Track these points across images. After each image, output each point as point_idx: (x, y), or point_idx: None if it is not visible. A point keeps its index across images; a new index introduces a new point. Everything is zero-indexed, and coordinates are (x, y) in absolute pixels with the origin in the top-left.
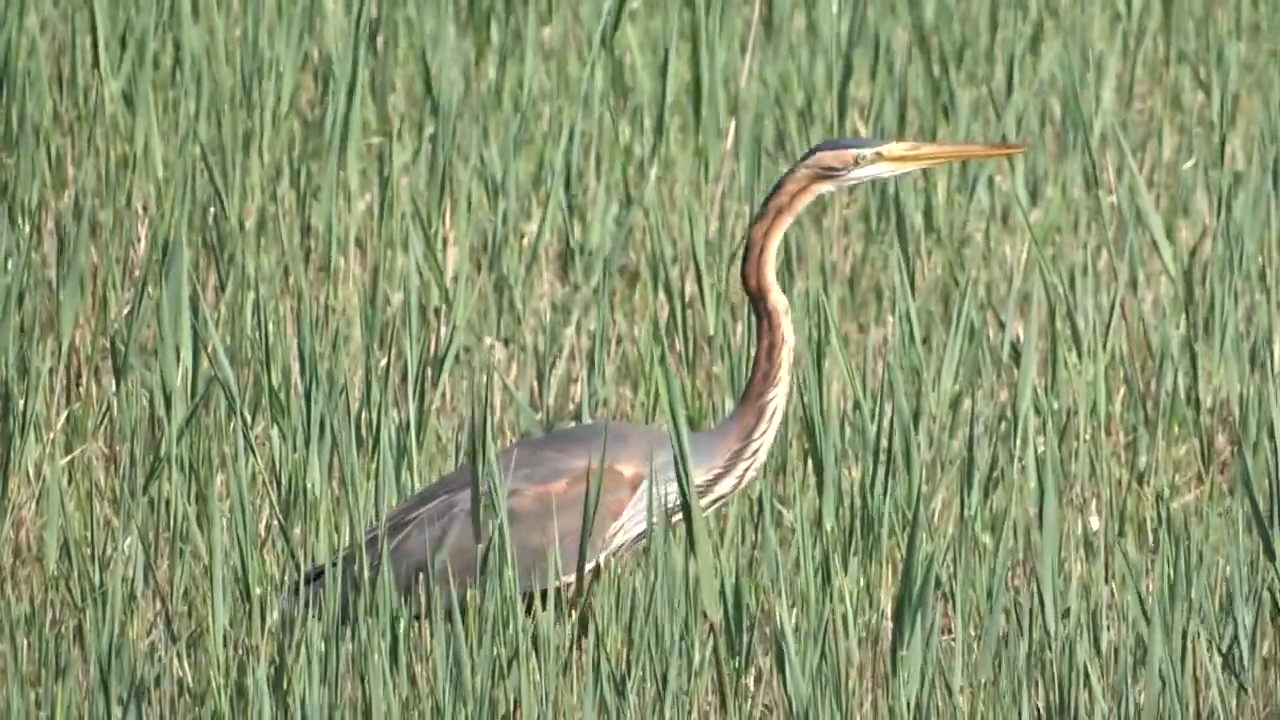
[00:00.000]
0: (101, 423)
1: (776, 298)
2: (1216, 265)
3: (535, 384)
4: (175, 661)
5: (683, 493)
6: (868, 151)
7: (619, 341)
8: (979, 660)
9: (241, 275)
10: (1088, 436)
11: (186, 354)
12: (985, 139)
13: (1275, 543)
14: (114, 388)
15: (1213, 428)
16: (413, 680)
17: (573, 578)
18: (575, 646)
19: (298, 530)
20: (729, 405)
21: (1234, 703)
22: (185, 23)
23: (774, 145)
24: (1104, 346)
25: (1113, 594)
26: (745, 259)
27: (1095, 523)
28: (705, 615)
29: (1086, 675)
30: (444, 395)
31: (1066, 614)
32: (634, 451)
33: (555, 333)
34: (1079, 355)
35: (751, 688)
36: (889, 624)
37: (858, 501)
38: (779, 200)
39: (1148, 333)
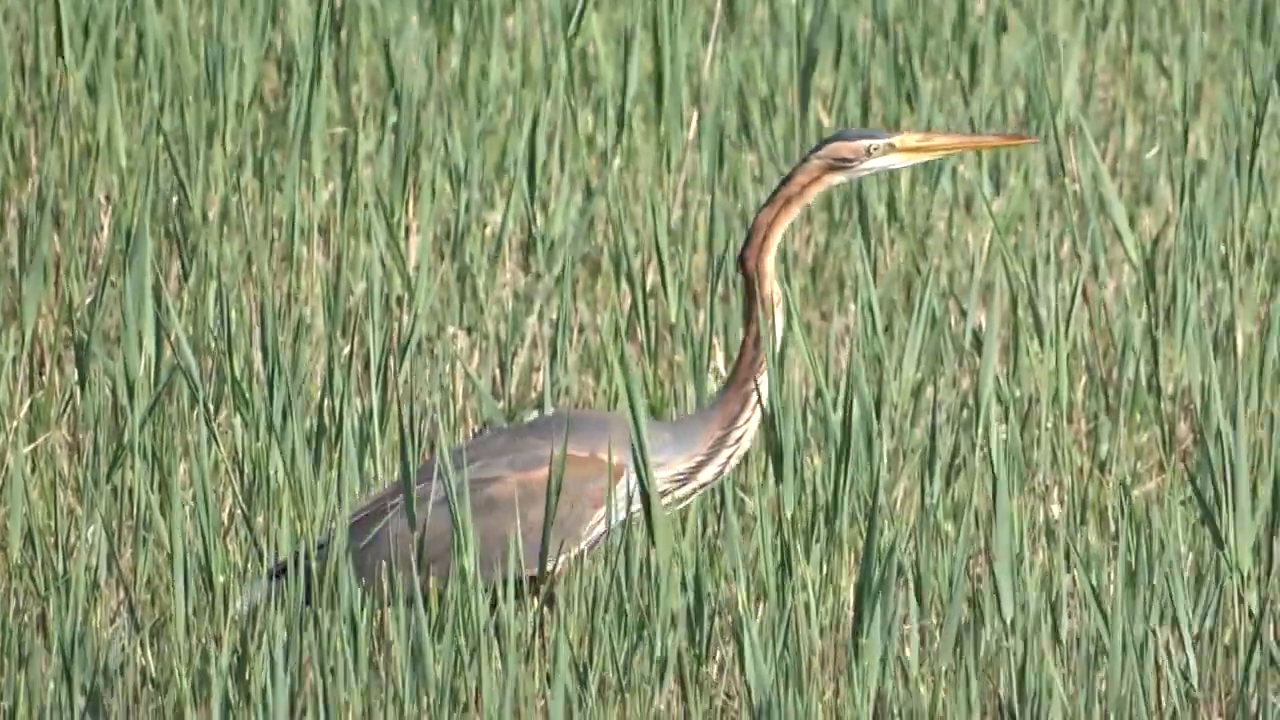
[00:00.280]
0: (64, 411)
1: (772, 287)
2: (1179, 253)
3: (497, 373)
4: (138, 651)
5: (642, 483)
6: (880, 142)
7: (581, 330)
8: (940, 648)
9: (204, 265)
10: (1049, 425)
11: (149, 343)
12: (948, 129)
13: (1229, 531)
14: (77, 377)
15: (1174, 416)
16: (374, 669)
17: (553, 565)
18: (537, 635)
19: (260, 519)
20: (691, 394)
21: (1192, 691)
22: (148, 12)
23: (737, 135)
24: (1066, 335)
25: (1074, 582)
26: (747, 242)
27: (1056, 510)
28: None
29: (1047, 664)
30: (406, 384)
31: (1027, 603)
32: (617, 439)
33: (517, 321)
34: (1041, 343)
35: (714, 676)
36: (850, 612)
37: (819, 490)
38: (789, 189)
39: (1110, 321)
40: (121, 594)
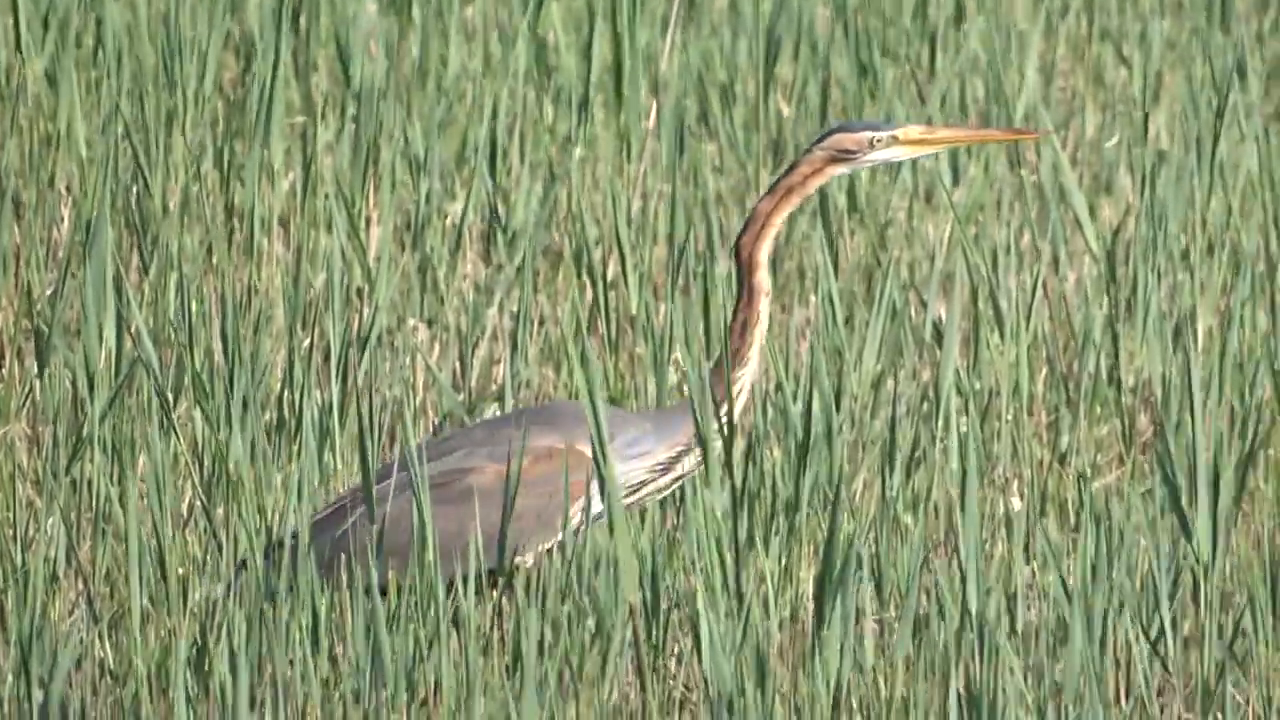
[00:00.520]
0: (24, 404)
1: (763, 277)
2: (1140, 245)
3: (458, 365)
4: (97, 643)
5: (599, 473)
6: (883, 134)
7: (541, 322)
8: (900, 640)
9: (165, 256)
10: (1009, 417)
11: (110, 334)
12: (908, 118)
13: (1193, 522)
14: (36, 369)
15: (1134, 408)
16: (334, 661)
17: (531, 557)
18: (495, 627)
19: (220, 511)
20: (652, 386)
21: (1154, 683)
22: (107, 2)
23: (697, 124)
24: (1026, 326)
25: (1034, 574)
26: (745, 229)
27: (1017, 503)
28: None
29: (1007, 655)
30: (367, 376)
31: (988, 594)
32: None
33: (478, 313)
34: (1001, 335)
35: (673, 668)
36: (810, 604)
37: (779, 482)
38: (791, 180)
39: (1070, 312)
40: (80, 586)
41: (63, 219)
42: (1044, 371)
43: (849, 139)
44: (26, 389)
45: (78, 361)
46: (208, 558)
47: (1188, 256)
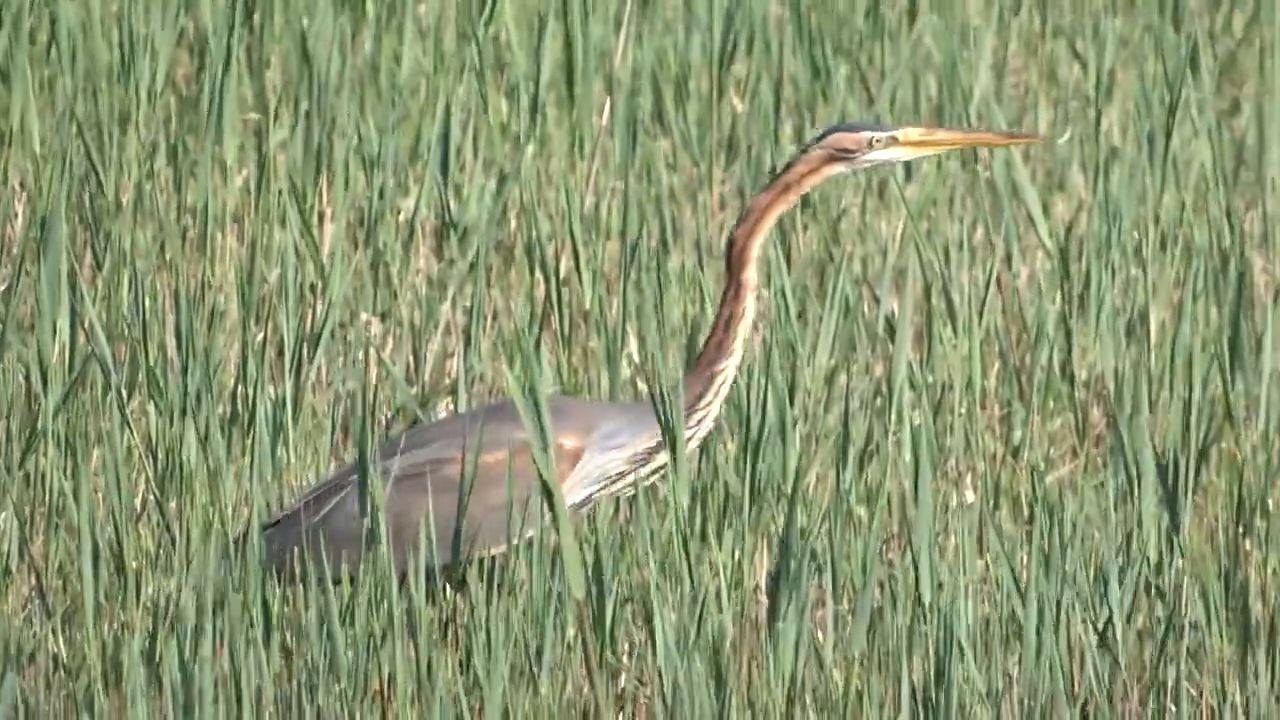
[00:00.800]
0: None
1: (751, 272)
2: (1092, 240)
3: (411, 359)
4: (50, 637)
5: (541, 474)
6: (882, 135)
7: (495, 317)
8: (853, 633)
9: (119, 252)
10: (962, 411)
11: (64, 329)
12: (861, 115)
13: (1146, 516)
14: None
15: (1087, 402)
16: (287, 654)
17: (505, 548)
18: (450, 622)
19: (174, 505)
20: (605, 381)
21: (1107, 676)
22: None
23: (651, 121)
24: (979, 321)
25: (987, 567)
26: (740, 223)
27: (970, 496)
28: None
29: (961, 648)
30: (320, 371)
31: (941, 587)
32: (574, 424)
33: (431, 308)
34: (954, 330)
35: (625, 662)
36: (764, 597)
37: (733, 475)
38: (789, 177)
39: (1023, 307)
40: (33, 580)
41: (16, 215)
42: (997, 366)
43: (848, 138)
44: None
45: (31, 356)
46: (161, 552)
47: (1140, 252)
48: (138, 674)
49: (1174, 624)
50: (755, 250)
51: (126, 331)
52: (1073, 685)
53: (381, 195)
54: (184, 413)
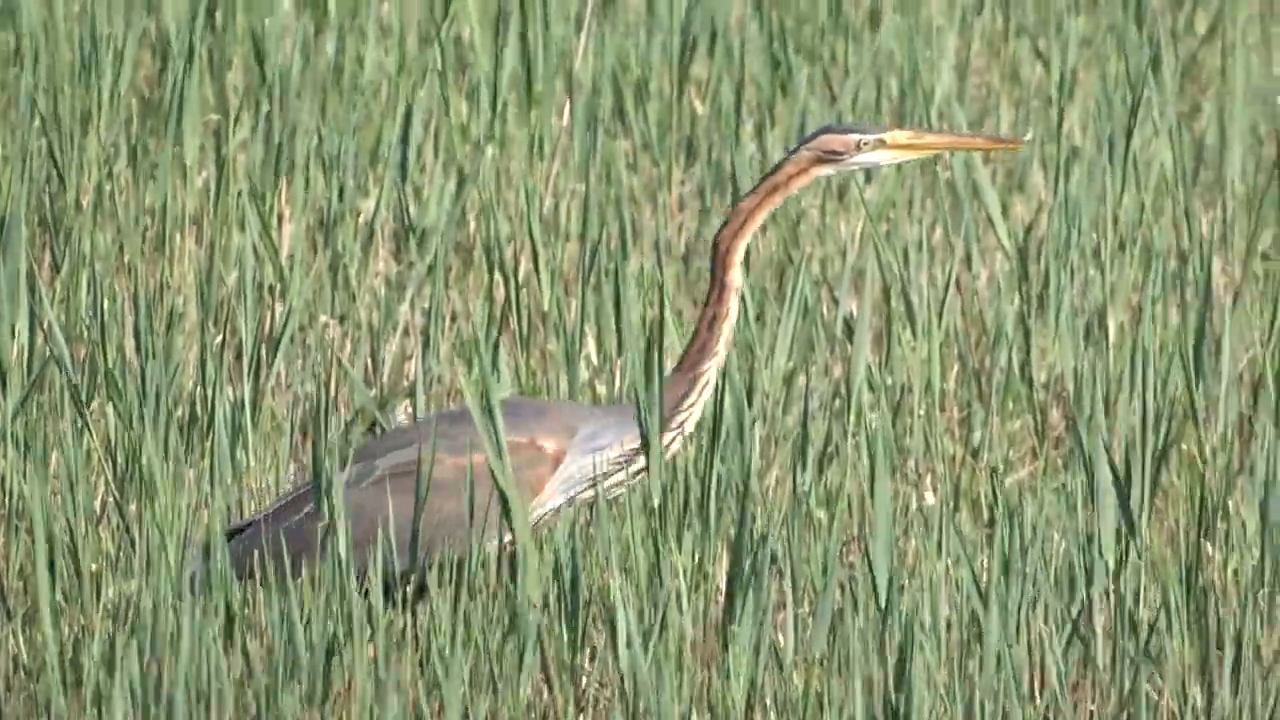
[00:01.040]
0: None
1: (735, 274)
2: (1052, 241)
3: (369, 361)
4: (10, 638)
5: (494, 479)
6: (870, 137)
7: (454, 319)
8: (813, 635)
9: (78, 254)
10: (921, 412)
11: (23, 331)
12: (822, 115)
13: (1105, 518)
14: None
15: (1046, 404)
16: (247, 657)
17: (490, 549)
18: (409, 625)
19: (133, 507)
20: (564, 383)
21: (1068, 678)
22: None
23: (611, 122)
24: (938, 323)
25: (947, 570)
26: (726, 225)
27: (930, 498)
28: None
29: (921, 651)
30: (279, 374)
31: (901, 590)
32: (555, 426)
33: (390, 310)
34: (913, 331)
35: (586, 665)
36: (723, 600)
37: (692, 477)
38: (776, 179)
39: (982, 309)
40: None
41: None
42: (956, 367)
43: (836, 140)
44: None
45: None
46: (121, 554)
47: (1099, 253)
48: (97, 676)
49: (1135, 627)
50: (740, 252)
51: (85, 333)
52: (1035, 688)
53: (341, 197)
54: (143, 415)
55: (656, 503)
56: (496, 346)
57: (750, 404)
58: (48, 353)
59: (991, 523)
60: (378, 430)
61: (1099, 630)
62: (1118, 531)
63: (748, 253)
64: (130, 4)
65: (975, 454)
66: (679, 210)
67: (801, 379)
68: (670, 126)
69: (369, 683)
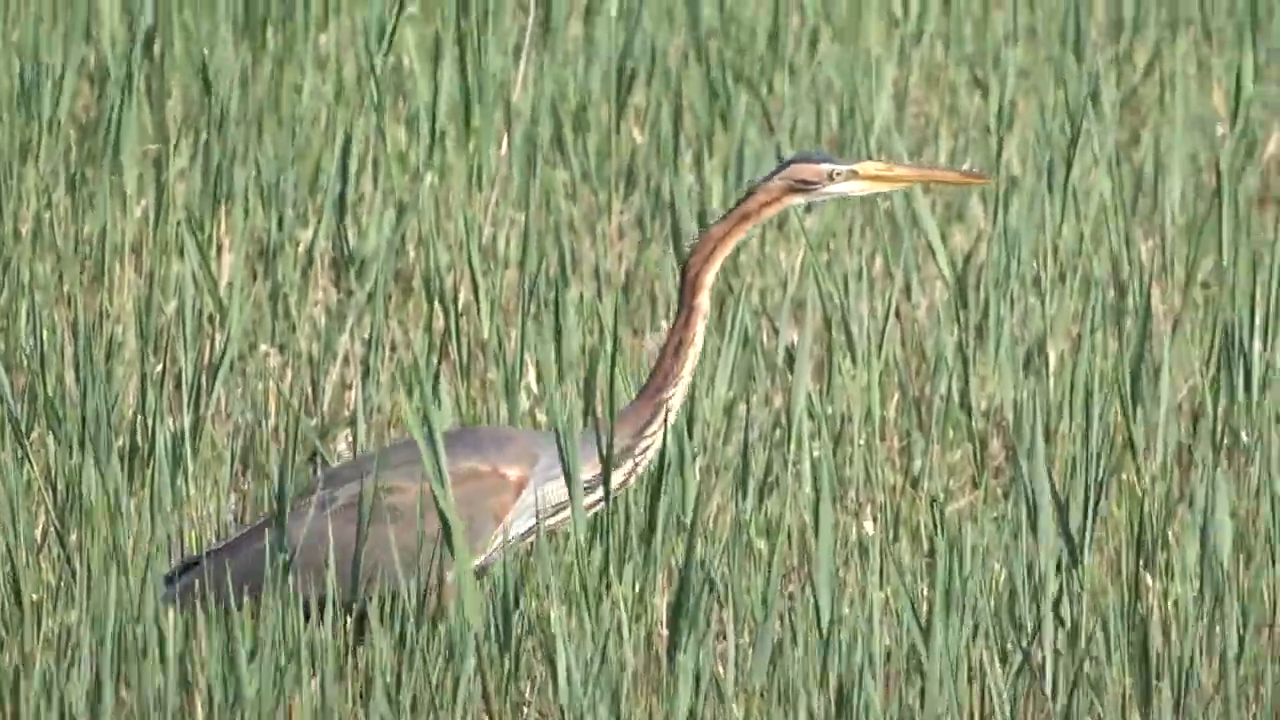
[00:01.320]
0: None
1: (703, 299)
2: (991, 270)
3: (310, 390)
4: None
5: (437, 500)
6: (842, 168)
7: (394, 348)
8: (754, 666)
9: (17, 283)
10: (862, 441)
11: None
12: (761, 144)
13: (1045, 548)
14: None
15: (987, 432)
16: (188, 686)
17: (451, 576)
18: (350, 654)
19: (74, 537)
20: (504, 412)
21: (1009, 707)
22: None
23: (550, 151)
24: (878, 352)
25: (887, 599)
26: (695, 251)
27: (870, 528)
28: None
29: (863, 680)
30: (219, 402)
31: (842, 620)
32: (518, 453)
33: (330, 339)
34: (853, 361)
35: (527, 694)
36: (664, 630)
37: (633, 507)
38: (747, 207)
39: (922, 338)
40: None
41: None
42: (896, 396)
43: (808, 170)
44: None
45: None
46: (62, 584)
47: (1039, 282)
48: (38, 705)
49: (1075, 657)
50: (709, 278)
51: (25, 363)
52: (974, 717)
53: (280, 226)
54: (83, 444)
55: (583, 537)
56: (437, 376)
57: (691, 434)
58: None
59: (932, 552)
60: (318, 460)
61: (1046, 659)
62: (1059, 561)
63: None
64: (69, 33)
65: (915, 483)
66: (618, 239)
67: (742, 408)
68: (609, 155)
69: (311, 713)
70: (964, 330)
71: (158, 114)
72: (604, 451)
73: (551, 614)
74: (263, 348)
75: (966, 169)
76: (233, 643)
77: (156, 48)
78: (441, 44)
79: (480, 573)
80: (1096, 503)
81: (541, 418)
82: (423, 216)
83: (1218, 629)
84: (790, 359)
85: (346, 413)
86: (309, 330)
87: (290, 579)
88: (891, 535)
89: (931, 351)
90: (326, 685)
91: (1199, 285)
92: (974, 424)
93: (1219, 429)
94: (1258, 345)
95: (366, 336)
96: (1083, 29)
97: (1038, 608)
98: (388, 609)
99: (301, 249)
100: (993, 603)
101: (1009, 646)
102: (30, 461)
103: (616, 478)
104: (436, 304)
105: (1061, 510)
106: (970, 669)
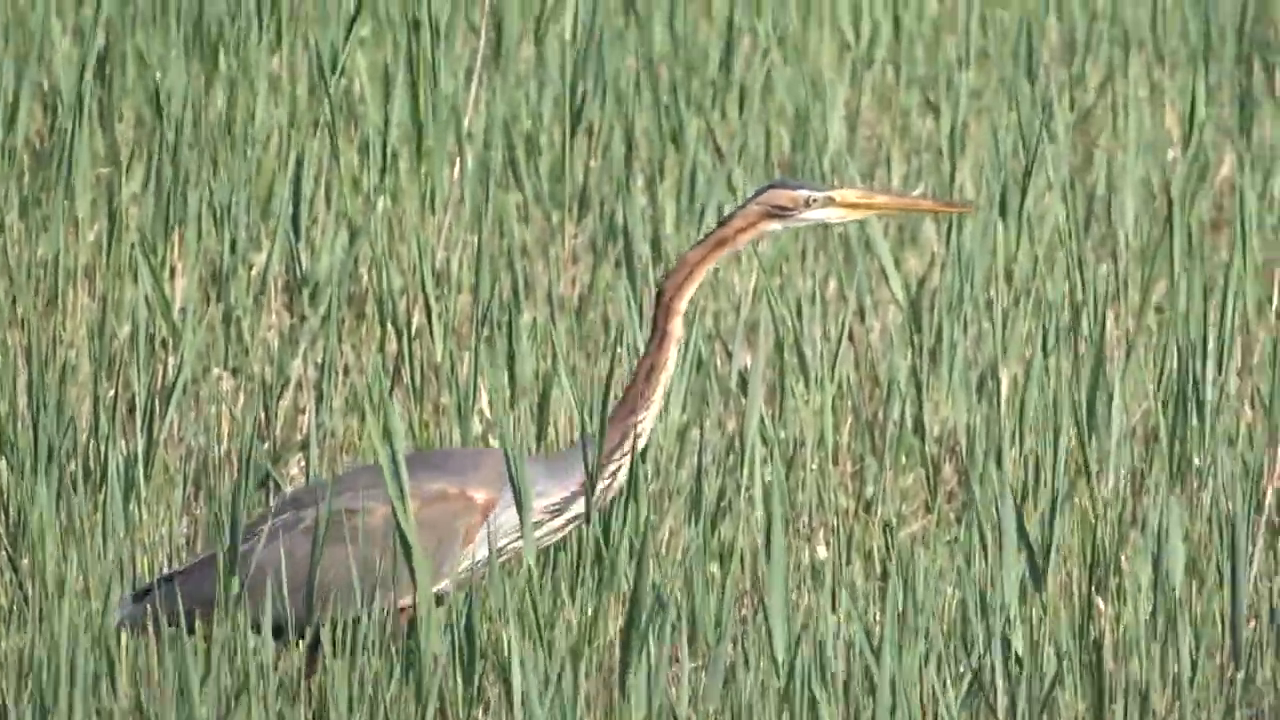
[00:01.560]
0: None
1: (677, 324)
2: (944, 294)
3: (263, 414)
4: None
5: (397, 520)
6: (819, 195)
7: (346, 372)
8: (707, 690)
9: None
10: (815, 466)
11: None
12: (712, 167)
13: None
14: None
15: (940, 457)
16: (140, 708)
17: (410, 600)
18: (304, 678)
19: (26, 561)
20: (457, 435)
21: None
22: None
23: (502, 174)
24: (831, 376)
25: (839, 624)
26: (670, 275)
27: (823, 552)
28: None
29: (815, 705)
30: (172, 426)
31: (795, 644)
32: (487, 476)
33: (283, 363)
34: (806, 385)
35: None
36: (618, 654)
37: (585, 532)
38: (724, 232)
39: (875, 362)
40: None
41: None
42: (849, 420)
43: (785, 195)
44: None
45: None
46: (14, 607)
47: (992, 306)
48: None
49: (1028, 682)
50: (683, 304)
51: None
52: None
53: (233, 249)
54: (35, 468)
55: (531, 561)
56: (389, 399)
57: (644, 458)
58: None
59: (884, 576)
60: (270, 484)
61: (998, 683)
62: (1013, 585)
63: (641, 309)
64: (21, 56)
65: (868, 507)
66: (572, 263)
67: (695, 433)
68: (562, 178)
69: None
70: (917, 354)
71: (109, 137)
72: (589, 468)
73: (505, 637)
74: (216, 371)
75: (948, 199)
76: (184, 667)
77: (108, 71)
78: (393, 67)
79: (441, 599)
80: (1050, 527)
81: (494, 443)
82: (376, 240)
83: (1170, 652)
84: (743, 383)
85: (299, 437)
86: (262, 354)
87: (251, 601)
88: (844, 559)
89: (885, 375)
90: (282, 709)
91: (1153, 309)
92: (927, 448)
93: (1172, 453)
94: (1210, 370)
95: (319, 360)
96: (1035, 51)
97: (988, 630)
98: (349, 632)
99: (255, 272)
100: (945, 627)
101: (961, 670)
102: None
103: (583, 503)
104: (389, 327)
105: (1023, 534)
106: (922, 693)
